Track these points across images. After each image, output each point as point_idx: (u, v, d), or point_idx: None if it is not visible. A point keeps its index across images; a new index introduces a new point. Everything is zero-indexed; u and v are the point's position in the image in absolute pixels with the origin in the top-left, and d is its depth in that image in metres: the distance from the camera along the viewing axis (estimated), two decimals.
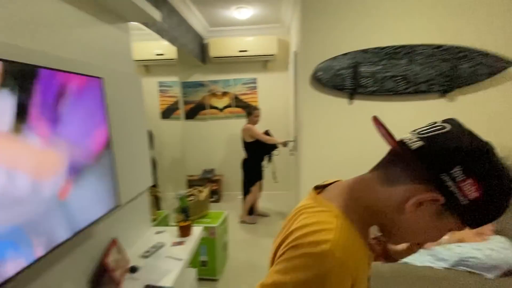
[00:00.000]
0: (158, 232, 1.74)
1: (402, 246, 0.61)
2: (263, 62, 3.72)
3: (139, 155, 1.60)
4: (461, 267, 1.47)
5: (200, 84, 3.89)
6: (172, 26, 2.47)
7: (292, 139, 2.89)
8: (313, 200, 0.53)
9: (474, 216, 0.42)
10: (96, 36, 1.27)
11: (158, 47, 3.45)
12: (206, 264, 2.11)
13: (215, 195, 3.84)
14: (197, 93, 3.92)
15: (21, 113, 0.76)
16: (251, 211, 3.20)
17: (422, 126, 0.52)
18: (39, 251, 0.81)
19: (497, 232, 1.64)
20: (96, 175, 1.09)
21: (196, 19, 3.12)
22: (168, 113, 3.98)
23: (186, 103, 3.97)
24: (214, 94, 3.89)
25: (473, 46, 2.14)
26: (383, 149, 1.59)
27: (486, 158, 0.40)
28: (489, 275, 1.41)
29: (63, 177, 0.91)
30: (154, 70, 3.88)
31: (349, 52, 2.23)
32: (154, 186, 2.26)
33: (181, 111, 3.94)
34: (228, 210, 3.12)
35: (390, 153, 0.52)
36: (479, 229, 1.64)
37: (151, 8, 1.47)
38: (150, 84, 3.90)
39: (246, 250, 2.60)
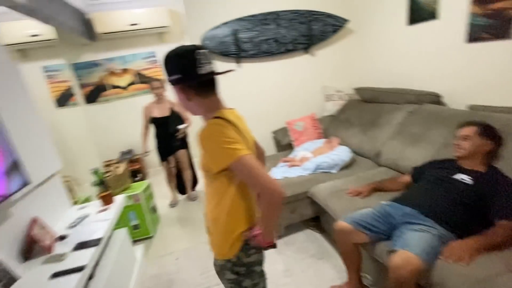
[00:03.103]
0: (81, 208, 1.89)
1: None
2: (158, 35, 3.73)
3: (39, 142, 1.65)
4: (319, 170, 2.16)
5: (93, 64, 3.66)
6: (44, 4, 2.28)
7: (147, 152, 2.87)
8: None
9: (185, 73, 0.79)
10: None
11: (32, 27, 3.05)
12: (138, 226, 2.37)
13: (139, 173, 3.92)
14: (93, 74, 3.70)
15: None
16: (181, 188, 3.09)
17: None
18: None
19: (342, 144, 2.42)
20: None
21: None
22: (63, 100, 3.66)
23: (82, 86, 3.71)
24: (113, 73, 3.75)
25: (319, 10, 2.75)
26: (267, 100, 2.35)
27: (178, 49, 0.80)
28: (334, 171, 2.15)
29: None
30: (33, 53, 3.43)
31: (228, 21, 2.56)
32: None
33: (78, 96, 3.69)
34: (158, 182, 3.31)
35: None
36: (332, 145, 2.38)
37: None
38: (32, 70, 3.46)
39: (178, 209, 2.94)
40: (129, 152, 3.97)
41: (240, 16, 2.58)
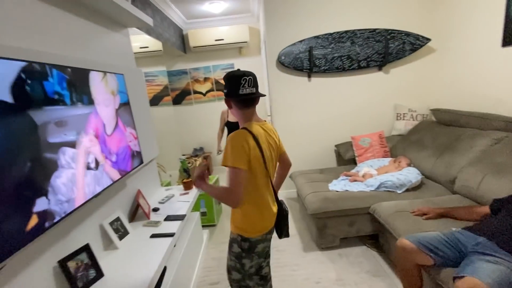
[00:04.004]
0: (167, 189, 2.31)
1: None
2: (238, 49, 4.19)
3: (148, 131, 2.11)
4: (382, 189, 2.14)
5: (183, 72, 4.32)
6: (157, 24, 2.89)
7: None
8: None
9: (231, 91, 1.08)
10: (111, 42, 1.73)
11: (143, 41, 3.81)
12: (206, 214, 2.71)
13: (208, 169, 4.39)
14: (181, 80, 4.36)
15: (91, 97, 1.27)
16: None
17: None
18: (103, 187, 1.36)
19: (411, 165, 2.33)
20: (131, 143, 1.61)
21: (175, 14, 3.51)
22: (155, 100, 4.40)
23: (172, 90, 4.40)
24: (196, 80, 4.35)
25: (398, 28, 2.74)
26: (333, 114, 2.57)
27: (231, 73, 1.08)
28: (398, 191, 2.10)
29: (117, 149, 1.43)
30: (140, 62, 4.24)
31: (304, 39, 2.77)
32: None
33: (168, 98, 4.38)
34: (222, 178, 3.68)
35: None
36: (400, 164, 2.32)
37: (146, 16, 1.92)
38: None
39: None
40: (200, 149, 4.50)
41: (317, 34, 2.76)
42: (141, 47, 4.05)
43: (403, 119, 2.89)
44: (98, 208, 1.44)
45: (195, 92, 4.41)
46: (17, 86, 0.88)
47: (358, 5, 2.73)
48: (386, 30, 2.73)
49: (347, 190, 2.20)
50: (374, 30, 2.74)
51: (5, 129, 0.82)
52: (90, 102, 1.29)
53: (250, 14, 3.93)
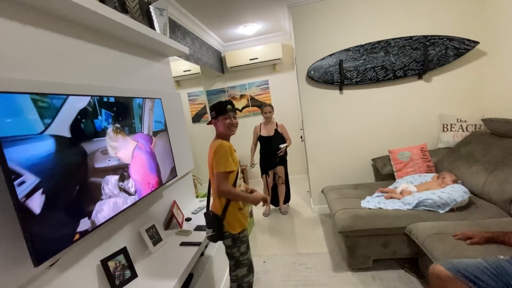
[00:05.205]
0: (201, 201, 2.46)
1: None
2: (272, 66, 4.33)
3: (184, 147, 2.32)
4: (421, 208, 1.96)
5: (221, 90, 4.61)
6: (196, 50, 3.19)
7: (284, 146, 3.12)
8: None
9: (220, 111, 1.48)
10: (152, 71, 2.00)
11: (186, 65, 4.22)
12: None
13: None
14: (219, 99, 4.65)
15: (132, 122, 1.48)
16: (275, 200, 3.38)
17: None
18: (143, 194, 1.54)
19: (457, 181, 2.09)
20: (166, 158, 1.81)
21: (213, 39, 3.82)
22: (197, 118, 4.76)
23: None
24: (233, 98, 4.59)
25: (438, 34, 2.55)
26: (369, 126, 2.56)
27: (218, 102, 1.50)
28: (441, 211, 1.89)
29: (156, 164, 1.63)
30: (184, 83, 4.69)
31: (334, 53, 2.76)
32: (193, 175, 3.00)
33: (208, 115, 4.70)
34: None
35: None
36: (444, 181, 2.11)
37: (183, 46, 2.17)
38: (182, 95, 4.72)
39: (270, 218, 3.25)
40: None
41: (347, 47, 2.73)
42: (184, 70, 4.49)
43: (451, 130, 2.62)
44: (137, 216, 1.63)
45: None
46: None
47: (390, 14, 2.64)
48: (425, 37, 2.56)
49: (381, 208, 2.06)
50: (411, 37, 2.59)
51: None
52: (132, 131, 1.51)
53: (282, 32, 4.06)
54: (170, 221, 1.96)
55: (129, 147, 1.46)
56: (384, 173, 2.67)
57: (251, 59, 4.09)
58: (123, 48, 1.67)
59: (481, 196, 1.97)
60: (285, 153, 3.22)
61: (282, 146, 3.10)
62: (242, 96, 4.57)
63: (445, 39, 2.53)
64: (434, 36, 2.55)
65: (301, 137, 3.55)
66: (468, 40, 2.48)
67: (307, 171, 3.22)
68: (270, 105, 3.21)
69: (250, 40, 4.20)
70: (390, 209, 2.02)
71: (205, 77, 4.48)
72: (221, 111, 1.49)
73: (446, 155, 2.49)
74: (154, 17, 1.83)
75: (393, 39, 2.63)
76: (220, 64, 4.24)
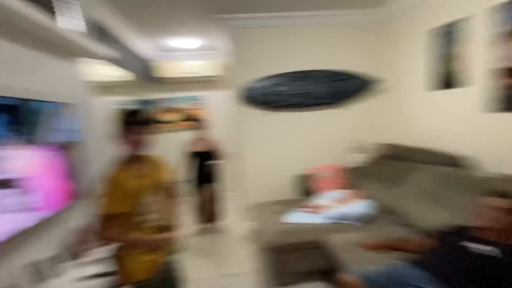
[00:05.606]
0: None
1: None
2: (210, 82, 4.36)
3: (107, 160, 2.05)
4: (337, 220, 2.17)
5: (154, 101, 4.39)
6: (124, 55, 2.94)
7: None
8: None
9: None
10: (61, 72, 1.75)
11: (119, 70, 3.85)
12: None
13: None
14: (152, 109, 4.40)
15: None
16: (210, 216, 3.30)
17: None
18: None
19: (367, 197, 2.41)
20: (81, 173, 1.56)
21: (146, 46, 3.64)
22: None
23: None
24: (166, 110, 4.41)
25: (345, 71, 3.01)
26: (294, 146, 2.62)
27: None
28: (353, 223, 2.13)
29: None
30: (116, 90, 4.23)
31: (269, 76, 2.96)
32: None
33: None
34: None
35: None
36: (355, 197, 2.39)
37: (100, 47, 1.94)
38: (109, 103, 4.24)
39: (201, 238, 3.08)
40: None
41: (281, 72, 2.98)
42: (116, 76, 4.05)
43: (360, 153, 3.05)
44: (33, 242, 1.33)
45: (164, 122, 4.43)
46: None
47: (314, 49, 3.02)
48: (333, 72, 3.00)
49: (297, 223, 2.19)
50: (323, 71, 3.00)
51: None
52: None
53: (225, 50, 4.15)
54: (80, 248, 1.66)
55: (25, 159, 1.22)
56: (304, 189, 2.89)
57: (189, 72, 4.03)
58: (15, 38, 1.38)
59: (383, 209, 2.31)
60: (218, 170, 3.19)
61: (213, 162, 3.09)
62: (175, 110, 4.42)
63: (349, 76, 3.00)
64: (340, 72, 3.01)
65: (235, 154, 3.59)
66: (375, 79, 3.00)
67: (240, 188, 3.25)
68: (205, 120, 3.20)
69: (190, 53, 4.17)
70: (308, 223, 2.17)
71: (138, 86, 4.18)
72: (122, 124, 1.22)
73: (357, 174, 2.87)
74: (57, 6, 1.59)
75: (313, 71, 3.00)
76: (149, 74, 4.00)
